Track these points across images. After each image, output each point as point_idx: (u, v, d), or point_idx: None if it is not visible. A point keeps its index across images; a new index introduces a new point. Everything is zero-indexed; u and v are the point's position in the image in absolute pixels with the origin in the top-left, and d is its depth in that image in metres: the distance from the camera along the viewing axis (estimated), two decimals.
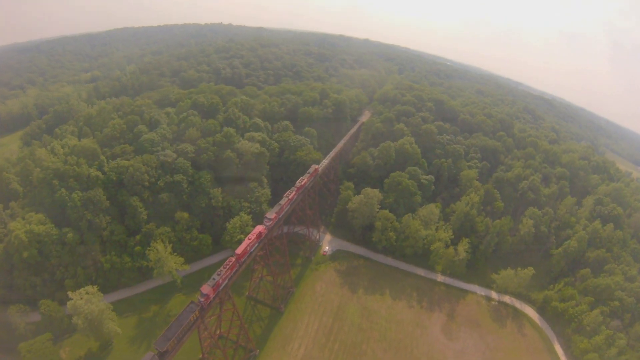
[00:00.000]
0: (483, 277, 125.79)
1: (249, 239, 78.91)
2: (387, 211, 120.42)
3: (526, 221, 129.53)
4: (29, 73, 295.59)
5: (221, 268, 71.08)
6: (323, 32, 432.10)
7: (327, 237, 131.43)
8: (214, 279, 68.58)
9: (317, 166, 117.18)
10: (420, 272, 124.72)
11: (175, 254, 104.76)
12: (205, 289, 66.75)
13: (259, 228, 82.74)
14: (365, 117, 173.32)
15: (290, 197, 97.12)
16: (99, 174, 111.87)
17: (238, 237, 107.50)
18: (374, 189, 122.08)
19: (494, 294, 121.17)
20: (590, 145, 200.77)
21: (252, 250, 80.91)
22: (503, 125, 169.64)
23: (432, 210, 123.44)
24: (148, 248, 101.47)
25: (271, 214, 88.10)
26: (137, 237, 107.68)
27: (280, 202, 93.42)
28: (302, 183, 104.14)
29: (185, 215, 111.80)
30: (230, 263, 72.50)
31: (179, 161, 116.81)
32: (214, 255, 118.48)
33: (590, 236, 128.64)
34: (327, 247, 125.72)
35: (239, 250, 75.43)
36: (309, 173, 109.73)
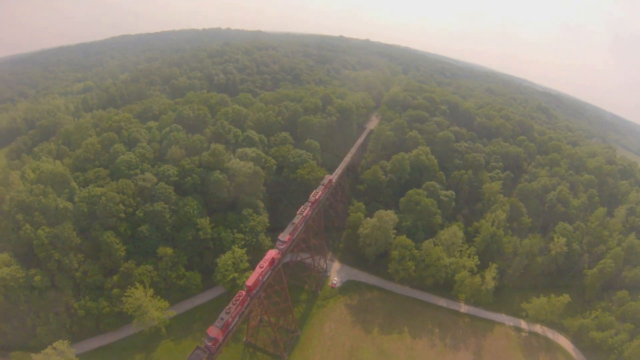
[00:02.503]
0: (510, 304, 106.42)
1: (261, 267, 67.68)
2: (404, 237, 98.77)
3: (558, 239, 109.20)
4: (21, 85, 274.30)
5: (230, 305, 60.89)
6: (322, 34, 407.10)
7: (335, 265, 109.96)
8: (222, 318, 58.47)
9: (331, 176, 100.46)
10: (442, 302, 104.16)
11: (158, 297, 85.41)
12: (213, 331, 56.74)
13: (272, 253, 71.46)
14: (372, 123, 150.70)
15: (304, 214, 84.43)
16: (69, 205, 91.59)
17: (231, 275, 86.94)
18: (389, 211, 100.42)
19: (523, 324, 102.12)
20: (610, 146, 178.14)
21: (264, 279, 69.58)
22: (522, 128, 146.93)
23: (455, 232, 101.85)
24: (125, 294, 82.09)
25: (284, 236, 77.12)
26: (115, 277, 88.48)
27: (293, 221, 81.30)
28: (317, 197, 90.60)
29: (169, 251, 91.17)
30: (241, 298, 62.29)
31: (159, 186, 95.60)
32: (206, 293, 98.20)
33: (625, 252, 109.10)
34: (335, 278, 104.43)
35: (249, 282, 64.50)
36: (322, 185, 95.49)
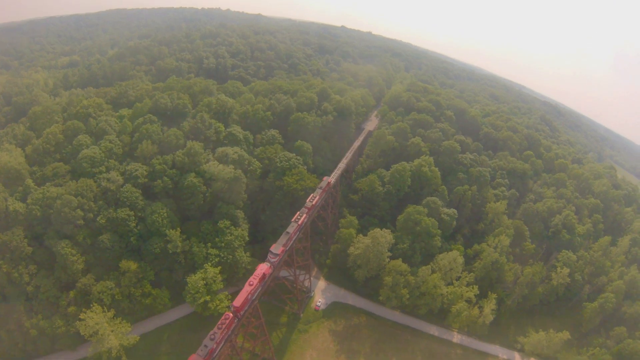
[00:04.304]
0: (505, 334, 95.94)
1: (251, 285, 59.55)
2: (399, 261, 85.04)
3: (561, 270, 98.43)
4: (4, 56, 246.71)
5: (215, 329, 53.55)
6: (324, 23, 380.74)
7: (321, 283, 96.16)
8: (205, 346, 51.39)
9: (329, 179, 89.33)
10: (434, 330, 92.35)
11: (119, 319, 71.88)
12: None
13: (263, 268, 63.25)
14: (372, 123, 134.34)
15: (300, 222, 74.56)
16: (21, 207, 76.59)
17: (202, 298, 72.66)
18: (384, 231, 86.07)
19: (517, 356, 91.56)
20: (612, 166, 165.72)
21: (254, 297, 61.24)
22: (529, 142, 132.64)
23: (455, 258, 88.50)
24: (80, 315, 68.65)
25: (277, 248, 67.40)
26: (71, 293, 75.04)
27: (287, 231, 71.60)
28: (314, 202, 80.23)
29: (133, 266, 76.54)
30: (227, 321, 54.46)
31: (125, 189, 79.27)
32: (176, 309, 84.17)
33: (627, 286, 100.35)
34: (320, 300, 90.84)
35: (237, 302, 56.45)
36: (320, 188, 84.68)
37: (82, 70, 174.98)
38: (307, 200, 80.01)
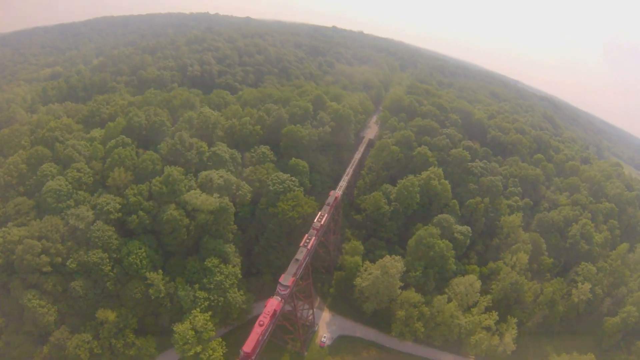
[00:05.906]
0: (525, 357, 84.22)
1: (261, 325, 53.75)
2: (412, 291, 74.01)
3: (582, 285, 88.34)
4: None
5: None
6: (315, 24, 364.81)
7: (325, 314, 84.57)
8: None
9: (337, 193, 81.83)
10: (450, 359, 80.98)
11: None
12: None
13: (273, 304, 57.29)
14: (372, 130, 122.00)
15: (309, 246, 67.43)
16: None
17: (193, 350, 60.85)
18: (394, 257, 74.66)
19: None
20: (618, 163, 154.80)
21: (265, 337, 55.98)
22: (538, 144, 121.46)
23: (472, 283, 77.38)
24: None
25: (287, 279, 60.91)
26: (45, 349, 63.66)
27: (297, 257, 64.96)
28: (322, 222, 72.54)
29: (111, 315, 64.39)
30: None
31: (96, 227, 66.61)
32: (164, 354, 71.80)
33: None
34: (325, 335, 79.42)
35: (248, 347, 50.80)
36: (328, 205, 77.33)
37: (61, 83, 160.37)
38: (315, 221, 71.76)
